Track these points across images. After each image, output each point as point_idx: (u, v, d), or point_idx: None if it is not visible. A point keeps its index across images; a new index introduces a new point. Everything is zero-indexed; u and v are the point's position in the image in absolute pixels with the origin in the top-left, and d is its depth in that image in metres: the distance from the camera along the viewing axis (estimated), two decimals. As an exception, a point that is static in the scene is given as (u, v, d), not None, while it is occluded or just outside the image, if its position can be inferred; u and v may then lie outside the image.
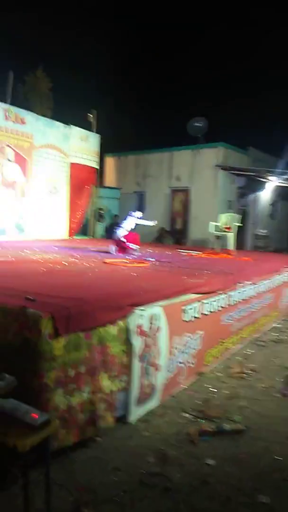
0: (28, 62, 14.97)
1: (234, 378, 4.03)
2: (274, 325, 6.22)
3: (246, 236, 14.31)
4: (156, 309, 3.22)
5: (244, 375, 4.12)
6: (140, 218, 6.59)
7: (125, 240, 6.33)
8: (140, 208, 13.58)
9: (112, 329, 2.75)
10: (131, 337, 2.92)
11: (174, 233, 12.86)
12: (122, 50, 21.04)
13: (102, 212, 11.41)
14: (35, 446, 1.84)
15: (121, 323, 2.85)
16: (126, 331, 2.90)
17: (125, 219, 6.61)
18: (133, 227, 6.49)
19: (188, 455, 2.65)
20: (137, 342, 2.98)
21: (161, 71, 22.93)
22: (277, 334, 5.77)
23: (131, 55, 21.76)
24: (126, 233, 6.39)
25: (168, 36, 23.83)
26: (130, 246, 6.36)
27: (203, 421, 3.10)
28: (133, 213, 6.59)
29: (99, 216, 11.23)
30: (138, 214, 6.59)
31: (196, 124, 12.76)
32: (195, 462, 2.58)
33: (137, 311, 2.99)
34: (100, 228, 11.29)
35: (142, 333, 3.05)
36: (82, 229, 11.11)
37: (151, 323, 3.15)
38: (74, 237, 10.40)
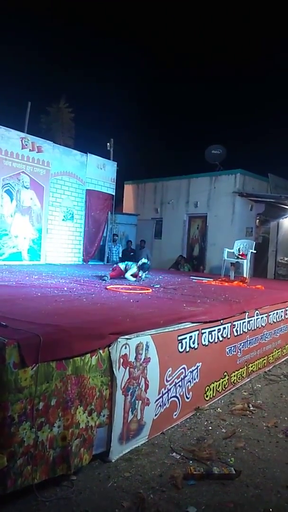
0: (51, 93, 15.63)
1: (236, 415, 3.75)
2: (288, 358, 5.88)
3: (267, 263, 13.93)
4: (144, 338, 3.05)
5: (247, 412, 3.83)
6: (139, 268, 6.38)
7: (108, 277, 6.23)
8: (158, 234, 13.56)
9: (90, 359, 2.60)
10: (113, 368, 2.76)
11: (191, 260, 12.68)
12: (141, 79, 21.69)
13: (116, 237, 11.42)
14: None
15: (101, 352, 2.70)
16: (108, 361, 2.75)
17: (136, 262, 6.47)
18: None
19: (169, 501, 2.41)
20: (120, 374, 2.81)
21: (179, 98, 23.42)
22: (290, 368, 5.43)
23: (149, 84, 22.40)
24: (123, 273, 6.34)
25: (186, 62, 24.43)
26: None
27: (192, 462, 2.85)
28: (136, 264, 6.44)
29: (113, 241, 11.24)
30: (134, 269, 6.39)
31: (214, 151, 12.77)
32: (174, 509, 2.34)
33: (121, 340, 2.83)
34: (115, 253, 11.27)
35: (126, 363, 2.88)
36: (98, 254, 11.13)
37: (137, 353, 2.98)
38: (89, 262, 10.41)
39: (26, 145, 8.65)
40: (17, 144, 8.53)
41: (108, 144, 11.15)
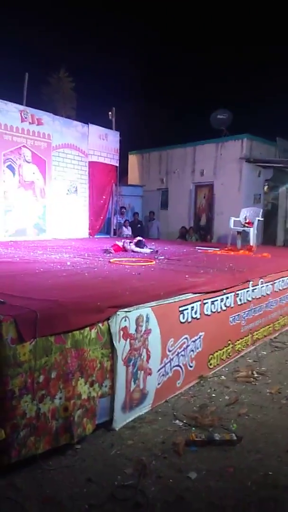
0: (51, 64, 15.16)
1: (239, 383, 3.78)
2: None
3: (276, 231, 13.76)
4: (144, 310, 3.05)
5: (251, 379, 3.87)
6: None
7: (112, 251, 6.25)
8: (164, 205, 13.40)
9: (89, 332, 2.62)
10: (113, 340, 2.78)
11: (198, 230, 12.58)
12: (143, 45, 20.86)
13: (124, 210, 11.34)
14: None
15: (101, 325, 2.72)
16: (108, 334, 2.77)
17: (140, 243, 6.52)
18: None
19: (170, 467, 2.47)
20: (121, 346, 2.83)
21: (182, 63, 22.51)
22: (297, 335, 5.43)
23: (152, 49, 21.55)
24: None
25: (189, 26, 23.39)
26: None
27: (195, 429, 2.91)
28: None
29: (120, 214, 11.16)
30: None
31: (220, 116, 12.38)
32: (175, 475, 2.41)
33: (120, 313, 2.84)
34: (121, 226, 11.22)
35: (127, 335, 2.90)
36: (103, 227, 11.09)
37: (138, 325, 3.00)
38: (96, 236, 10.39)
39: (26, 118, 8.48)
40: (17, 117, 8.36)
41: (109, 113, 10.87)
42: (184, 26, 23.50)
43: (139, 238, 6.65)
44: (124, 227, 10.96)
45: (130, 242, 6.50)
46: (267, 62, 21.30)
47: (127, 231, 10.83)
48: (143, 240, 6.69)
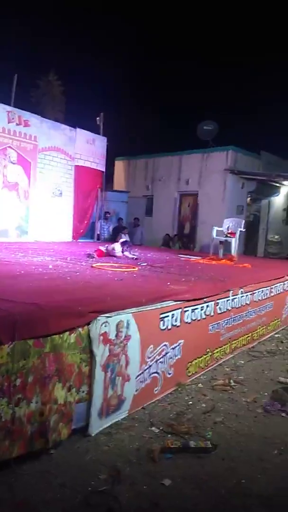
0: (40, 67, 15.14)
1: (217, 391, 3.82)
2: (273, 335, 5.97)
3: (258, 242, 13.99)
4: (125, 316, 3.06)
5: (228, 387, 3.91)
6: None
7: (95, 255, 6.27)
8: (149, 212, 13.48)
9: (69, 337, 2.61)
10: (92, 345, 2.78)
11: (182, 238, 12.68)
12: (133, 54, 21.05)
13: (108, 215, 11.33)
14: None
15: (81, 330, 2.71)
16: (87, 338, 2.77)
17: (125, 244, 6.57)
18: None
19: (145, 474, 2.48)
20: (100, 351, 2.83)
21: (171, 74, 22.78)
22: (274, 345, 5.52)
23: (142, 58, 21.81)
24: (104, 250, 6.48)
25: (177, 37, 23.75)
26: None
27: (170, 436, 2.92)
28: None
29: (105, 219, 11.15)
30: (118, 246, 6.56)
31: (206, 127, 12.58)
32: (150, 481, 2.41)
33: (101, 318, 2.84)
34: (107, 231, 11.20)
35: (107, 341, 2.90)
36: (87, 232, 11.05)
37: (118, 330, 3.00)
38: (79, 240, 10.35)
39: (13, 119, 8.42)
40: (3, 118, 8.30)
41: (97, 118, 10.90)
42: (174, 36, 23.90)
43: (124, 239, 6.67)
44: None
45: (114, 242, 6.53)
46: (255, 76, 21.80)
47: (126, 238, 10.80)
48: (128, 241, 6.71)
